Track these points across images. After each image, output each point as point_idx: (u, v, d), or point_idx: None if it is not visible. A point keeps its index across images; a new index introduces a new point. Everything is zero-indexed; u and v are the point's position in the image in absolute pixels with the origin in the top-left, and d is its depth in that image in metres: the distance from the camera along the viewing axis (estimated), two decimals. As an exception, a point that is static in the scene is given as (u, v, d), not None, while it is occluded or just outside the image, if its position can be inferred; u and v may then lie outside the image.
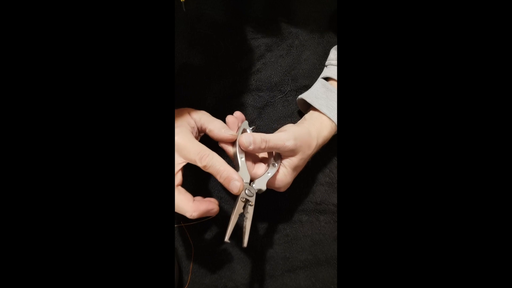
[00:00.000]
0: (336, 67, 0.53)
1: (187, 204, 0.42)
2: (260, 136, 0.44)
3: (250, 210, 0.43)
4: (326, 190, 0.56)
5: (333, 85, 0.52)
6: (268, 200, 0.55)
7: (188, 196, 0.43)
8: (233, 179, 0.42)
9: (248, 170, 0.45)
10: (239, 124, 0.48)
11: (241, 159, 0.45)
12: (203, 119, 0.47)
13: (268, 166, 0.47)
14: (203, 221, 0.54)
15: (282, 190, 0.48)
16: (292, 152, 0.46)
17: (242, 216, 0.43)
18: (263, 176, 0.46)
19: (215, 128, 0.46)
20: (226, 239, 0.40)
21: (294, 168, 0.47)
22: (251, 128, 0.48)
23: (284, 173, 0.47)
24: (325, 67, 0.56)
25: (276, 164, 0.46)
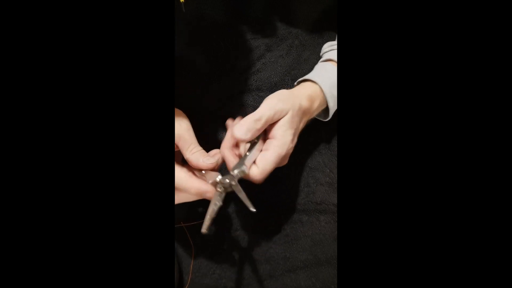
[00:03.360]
0: (330, 52, 0.54)
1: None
2: (251, 118, 0.42)
3: (235, 187, 0.41)
4: (326, 190, 0.55)
5: (329, 63, 0.52)
6: (268, 200, 0.55)
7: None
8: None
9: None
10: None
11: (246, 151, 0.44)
12: (180, 143, 0.45)
13: (246, 150, 0.45)
14: (203, 221, 0.54)
15: (286, 150, 0.44)
16: (283, 112, 0.43)
17: (221, 206, 0.42)
18: (241, 158, 0.43)
19: (192, 159, 0.44)
20: (203, 230, 0.40)
21: (289, 125, 0.44)
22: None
23: (280, 135, 0.43)
24: (320, 59, 0.56)
25: (256, 141, 0.44)
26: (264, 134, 0.46)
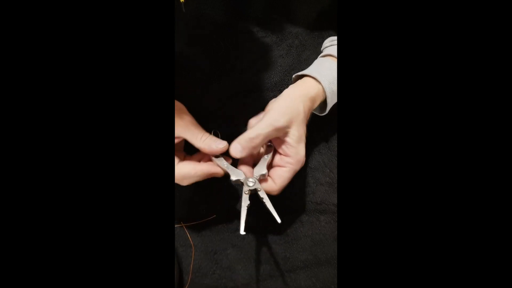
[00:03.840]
0: (330, 47, 0.53)
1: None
2: (246, 136, 0.43)
3: (261, 193, 0.44)
4: (326, 190, 0.55)
5: (328, 58, 0.52)
6: (268, 200, 0.55)
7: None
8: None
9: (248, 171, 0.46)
10: None
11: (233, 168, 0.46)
12: (188, 135, 0.46)
13: (264, 153, 0.47)
14: (203, 221, 0.54)
15: (301, 165, 0.46)
16: (286, 128, 0.44)
17: (250, 208, 0.44)
18: (260, 162, 0.46)
19: (205, 146, 0.45)
20: (241, 231, 0.41)
21: (298, 140, 0.45)
22: None
23: (294, 152, 0.45)
24: (320, 54, 0.56)
25: (271, 146, 0.47)
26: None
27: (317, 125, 0.57)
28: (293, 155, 0.45)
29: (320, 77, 0.49)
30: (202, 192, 0.55)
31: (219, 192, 0.56)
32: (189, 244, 0.53)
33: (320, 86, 0.49)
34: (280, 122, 0.43)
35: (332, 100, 0.50)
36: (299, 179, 0.55)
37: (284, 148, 0.45)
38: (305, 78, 0.50)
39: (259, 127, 0.43)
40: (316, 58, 0.59)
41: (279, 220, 0.42)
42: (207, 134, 0.46)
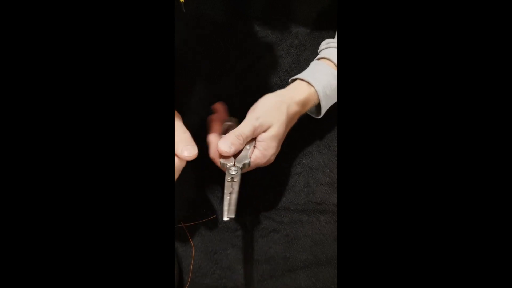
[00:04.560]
0: (325, 50, 0.54)
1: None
2: (233, 134, 0.46)
3: (235, 185, 0.45)
4: (326, 190, 0.56)
5: (322, 61, 0.53)
6: (269, 200, 0.55)
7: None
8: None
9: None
10: (223, 122, 0.51)
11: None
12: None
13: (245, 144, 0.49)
14: (203, 221, 0.54)
15: (270, 162, 0.49)
16: (266, 126, 0.47)
17: (229, 193, 0.44)
18: (242, 152, 0.47)
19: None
20: (225, 218, 0.42)
21: (273, 138, 0.47)
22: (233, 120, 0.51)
23: (263, 147, 0.47)
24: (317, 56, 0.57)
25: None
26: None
27: (317, 125, 0.57)
28: (261, 149, 0.47)
29: (314, 81, 0.50)
30: (202, 192, 0.55)
31: (219, 192, 0.56)
32: (189, 244, 0.53)
33: (312, 90, 0.50)
34: (259, 120, 0.46)
35: (327, 103, 0.52)
36: (299, 179, 0.55)
37: (258, 139, 0.48)
38: (297, 82, 0.51)
39: (241, 126, 0.46)
40: (316, 58, 0.59)
41: (225, 218, 0.42)
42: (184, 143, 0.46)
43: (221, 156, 0.47)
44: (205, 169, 0.53)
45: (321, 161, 0.57)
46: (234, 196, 0.43)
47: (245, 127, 0.46)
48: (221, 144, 0.45)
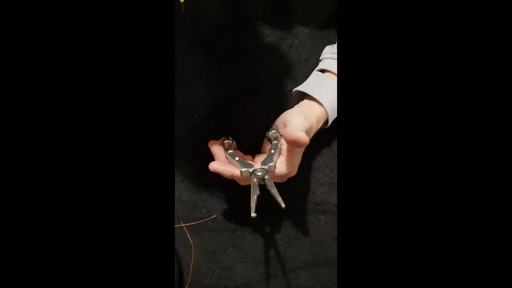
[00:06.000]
0: (330, 60, 0.54)
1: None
2: (298, 121, 0.45)
3: (268, 182, 0.45)
4: (326, 190, 0.56)
5: (328, 75, 0.53)
6: (268, 200, 0.55)
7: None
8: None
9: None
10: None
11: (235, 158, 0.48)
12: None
13: (270, 149, 0.49)
14: (203, 221, 0.54)
15: (292, 174, 0.48)
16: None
17: (259, 195, 0.44)
18: (267, 156, 0.47)
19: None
20: (252, 214, 0.42)
21: (296, 127, 0.46)
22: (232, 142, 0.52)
23: (283, 161, 0.47)
24: (319, 62, 0.56)
25: (277, 143, 0.48)
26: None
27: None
28: (285, 165, 0.46)
29: (322, 99, 0.50)
30: (202, 192, 0.55)
31: (219, 192, 0.56)
32: (189, 244, 0.53)
33: (322, 109, 0.50)
34: (308, 121, 0.47)
35: (333, 116, 0.52)
36: (299, 179, 0.55)
37: (285, 153, 0.47)
38: (309, 102, 0.51)
39: (299, 119, 0.46)
40: (316, 58, 0.59)
41: (283, 205, 0.43)
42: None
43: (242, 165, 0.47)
44: (205, 169, 0.53)
45: (321, 161, 0.57)
46: (274, 190, 0.44)
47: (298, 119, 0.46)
48: (300, 135, 0.42)
